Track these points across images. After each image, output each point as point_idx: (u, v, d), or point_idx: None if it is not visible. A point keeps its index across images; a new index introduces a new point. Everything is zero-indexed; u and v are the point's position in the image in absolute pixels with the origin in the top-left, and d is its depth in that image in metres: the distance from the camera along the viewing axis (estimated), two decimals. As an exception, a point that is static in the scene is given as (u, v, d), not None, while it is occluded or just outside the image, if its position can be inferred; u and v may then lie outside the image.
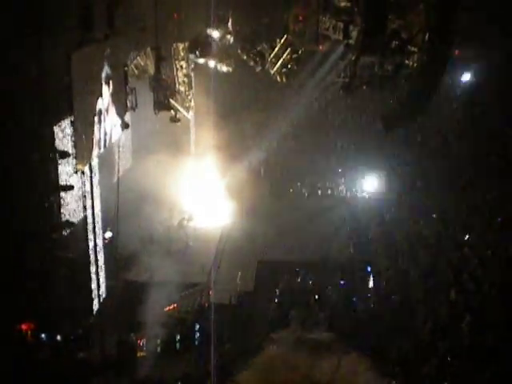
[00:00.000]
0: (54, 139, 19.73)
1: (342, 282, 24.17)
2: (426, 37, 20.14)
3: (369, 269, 25.59)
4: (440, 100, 33.63)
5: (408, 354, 18.43)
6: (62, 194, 20.62)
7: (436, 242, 26.34)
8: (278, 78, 27.15)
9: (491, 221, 27.48)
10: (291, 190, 35.37)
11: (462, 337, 19.55)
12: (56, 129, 19.74)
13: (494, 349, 18.39)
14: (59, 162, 20.11)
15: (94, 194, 22.50)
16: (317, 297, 23.82)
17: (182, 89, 29.63)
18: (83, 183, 21.66)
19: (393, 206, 30.95)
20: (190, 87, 29.99)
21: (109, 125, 23.10)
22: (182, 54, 28.89)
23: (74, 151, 20.16)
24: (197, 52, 27.92)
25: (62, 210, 20.64)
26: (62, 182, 20.45)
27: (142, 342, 22.17)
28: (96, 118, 21.60)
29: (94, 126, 21.48)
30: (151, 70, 27.59)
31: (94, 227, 22.68)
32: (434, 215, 28.55)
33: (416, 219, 28.70)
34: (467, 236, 26.14)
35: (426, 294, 22.52)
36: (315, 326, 20.66)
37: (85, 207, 21.91)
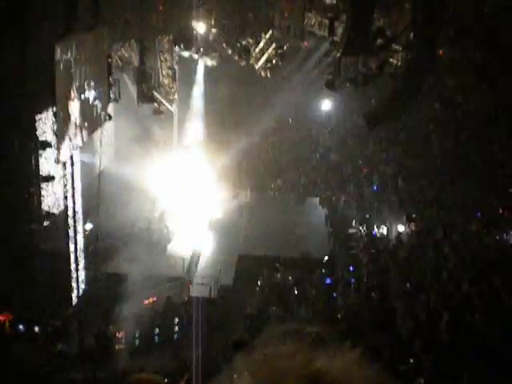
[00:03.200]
0: (35, 129, 19.62)
1: (327, 281, 24.13)
2: (411, 35, 20.24)
3: (350, 267, 25.64)
4: (423, 99, 33.80)
5: (386, 351, 18.50)
6: (43, 184, 20.51)
7: (416, 240, 26.47)
8: (263, 73, 27.18)
9: (471, 220, 27.68)
10: (273, 186, 35.38)
11: (440, 335, 19.66)
12: (38, 118, 19.62)
13: (472, 348, 18.52)
14: (40, 152, 19.99)
15: (75, 186, 22.38)
16: (296, 293, 23.85)
17: (165, 81, 29.56)
18: (64, 174, 21.53)
19: (373, 204, 31.04)
20: (174, 80, 29.91)
21: (91, 116, 22.98)
22: (166, 46, 28.81)
23: (55, 142, 20.02)
24: (181, 45, 27.86)
25: (42, 201, 20.53)
26: (43, 173, 20.34)
27: (120, 335, 22.10)
28: (78, 109, 21.46)
29: (76, 117, 21.35)
30: (135, 61, 27.52)
31: (75, 219, 22.56)
32: (414, 215, 28.70)
33: (396, 217, 28.84)
34: (447, 235, 26.29)
35: (405, 293, 22.61)
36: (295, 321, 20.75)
37: (66, 198, 21.77)
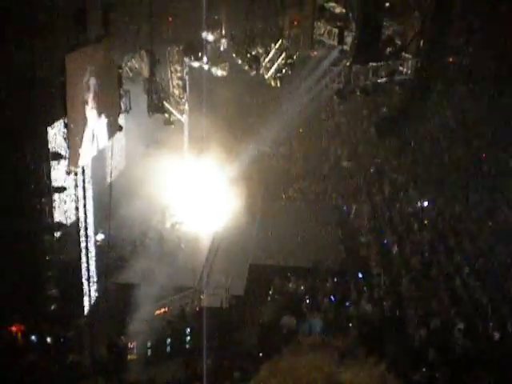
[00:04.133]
0: (47, 140, 19.71)
1: (332, 298, 24.02)
2: (421, 43, 20.25)
3: (360, 275, 25.58)
4: (433, 107, 33.76)
5: (399, 360, 18.44)
6: (55, 195, 20.58)
7: (428, 248, 26.38)
8: (273, 83, 27.17)
9: (483, 227, 27.58)
10: (284, 196, 35.34)
11: (454, 344, 19.57)
12: (50, 130, 19.71)
13: (486, 356, 18.43)
14: (52, 163, 20.07)
15: (87, 196, 22.42)
16: (308, 302, 23.80)
17: (176, 92, 29.64)
18: (76, 185, 21.59)
19: (385, 211, 30.97)
20: (184, 90, 29.99)
21: (102, 127, 23.05)
22: (176, 57, 28.91)
23: (67, 153, 20.10)
24: (191, 55, 27.93)
25: (54, 212, 20.59)
26: (55, 184, 20.41)
27: (132, 345, 22.09)
28: (90, 120, 21.55)
29: (87, 128, 21.43)
30: (145, 72, 27.56)
31: (86, 229, 22.59)
32: (426, 221, 28.62)
33: (408, 225, 28.75)
34: (459, 243, 26.21)
35: (417, 301, 22.53)
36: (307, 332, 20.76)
37: (77, 209, 21.82)
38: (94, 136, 22.16)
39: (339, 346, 2.08)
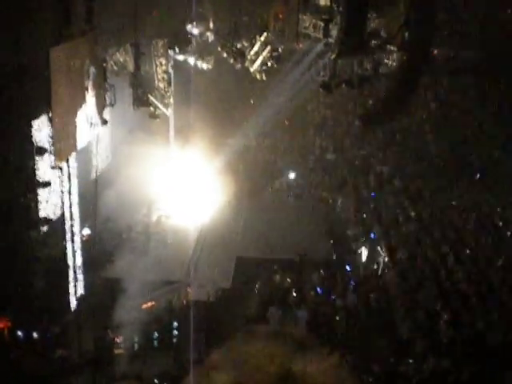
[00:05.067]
0: (31, 135, 19.59)
1: (318, 290, 24.07)
2: (406, 36, 20.27)
3: (348, 267, 25.67)
4: (418, 99, 33.88)
5: (385, 352, 18.52)
6: (40, 190, 20.46)
7: (414, 240, 26.46)
8: (258, 76, 27.12)
9: (468, 220, 27.71)
10: (270, 189, 35.32)
11: (440, 335, 19.67)
12: (34, 124, 19.59)
13: (472, 347, 18.55)
14: (37, 157, 19.96)
15: (72, 191, 22.33)
16: (295, 295, 23.84)
17: (161, 85, 29.53)
18: (61, 179, 21.49)
19: (371, 204, 31.02)
20: (169, 84, 29.89)
21: (87, 121, 22.96)
22: (161, 50, 28.79)
23: (51, 147, 20.02)
24: (176, 49, 27.87)
25: (39, 207, 20.49)
26: (40, 178, 20.30)
27: (119, 340, 22.06)
28: (74, 114, 21.45)
29: (72, 122, 21.34)
30: (130, 66, 27.48)
31: (72, 224, 22.51)
32: (413, 213, 28.69)
33: (394, 218, 28.82)
34: (445, 235, 26.31)
35: (404, 293, 22.62)
36: (293, 323, 20.77)
37: (63, 204, 21.73)
38: (78, 130, 22.11)
39: (293, 336, 2.08)
